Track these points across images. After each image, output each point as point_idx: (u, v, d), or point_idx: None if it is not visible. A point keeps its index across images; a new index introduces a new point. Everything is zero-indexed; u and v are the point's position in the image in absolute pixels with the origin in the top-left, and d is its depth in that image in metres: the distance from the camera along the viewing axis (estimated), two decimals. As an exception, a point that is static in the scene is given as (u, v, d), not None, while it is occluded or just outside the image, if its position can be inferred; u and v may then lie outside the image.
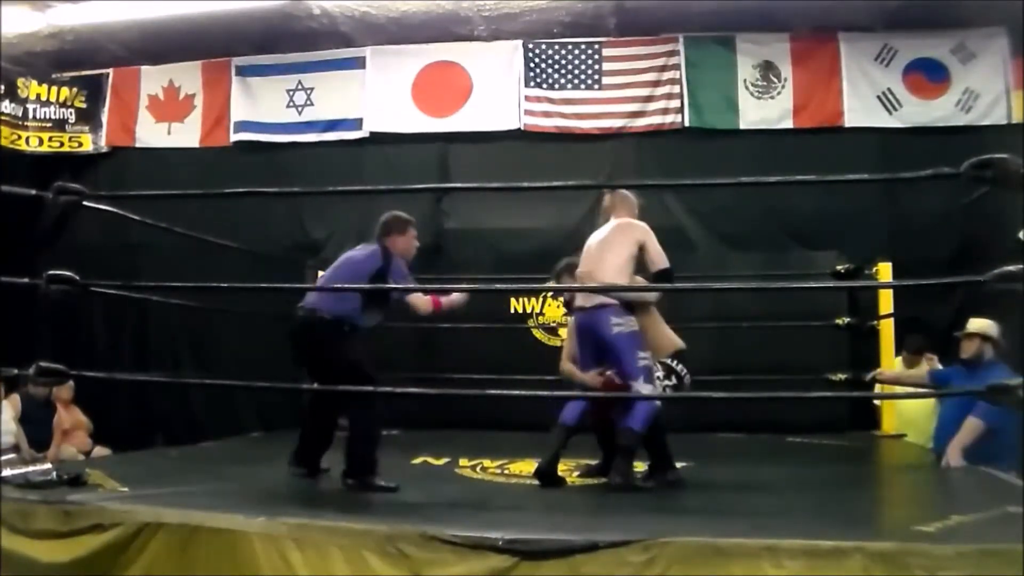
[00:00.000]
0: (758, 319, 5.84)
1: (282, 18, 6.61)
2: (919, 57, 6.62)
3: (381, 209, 7.00)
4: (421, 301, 3.80)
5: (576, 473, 3.97)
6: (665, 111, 6.86)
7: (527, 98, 7.00)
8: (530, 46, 7.02)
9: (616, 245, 3.89)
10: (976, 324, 4.34)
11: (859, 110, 6.64)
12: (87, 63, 7.47)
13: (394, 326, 6.21)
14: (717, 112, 6.81)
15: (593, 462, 4.03)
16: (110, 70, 7.61)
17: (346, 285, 3.72)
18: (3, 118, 7.36)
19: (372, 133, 7.17)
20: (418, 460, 4.27)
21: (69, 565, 2.71)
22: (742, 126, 6.77)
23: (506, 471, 3.95)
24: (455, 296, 3.94)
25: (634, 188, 6.94)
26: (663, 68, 6.88)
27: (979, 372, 4.19)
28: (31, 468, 3.44)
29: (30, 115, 7.54)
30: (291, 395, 6.54)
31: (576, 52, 6.99)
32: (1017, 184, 2.67)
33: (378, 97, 7.17)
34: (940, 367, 5.09)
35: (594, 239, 4.02)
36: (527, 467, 4.02)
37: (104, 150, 7.63)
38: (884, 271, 5.62)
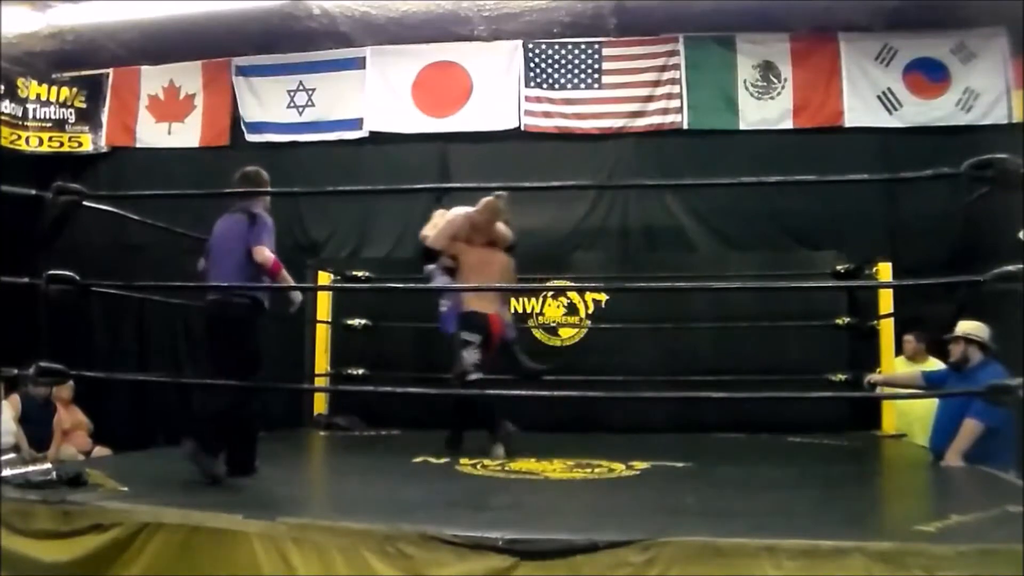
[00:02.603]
0: (758, 319, 5.84)
1: (282, 18, 6.61)
2: (919, 57, 6.62)
3: (381, 209, 7.08)
4: (265, 256, 3.65)
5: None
6: (665, 111, 6.86)
7: (527, 98, 7.00)
8: (530, 46, 7.02)
9: None
10: (960, 327, 4.32)
11: (859, 110, 6.64)
12: (87, 63, 7.47)
13: (394, 326, 6.26)
14: (717, 112, 6.81)
15: (585, 461, 4.06)
16: (110, 70, 7.62)
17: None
18: (3, 118, 7.36)
19: (372, 133, 7.18)
20: (418, 459, 4.27)
21: (69, 565, 2.71)
22: (742, 126, 6.77)
23: (506, 470, 3.95)
24: (294, 294, 3.93)
25: (634, 188, 7.01)
26: (663, 68, 6.88)
27: (970, 374, 4.18)
28: (31, 468, 3.44)
29: (30, 115, 7.55)
30: (291, 395, 6.57)
31: (576, 52, 7.00)
32: (1017, 184, 2.68)
33: (378, 97, 7.18)
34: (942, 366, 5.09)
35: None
36: (527, 466, 4.03)
37: (104, 150, 7.63)
38: (884, 271, 5.62)
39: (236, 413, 3.59)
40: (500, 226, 4.94)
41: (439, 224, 4.99)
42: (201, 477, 3.42)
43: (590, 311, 6.27)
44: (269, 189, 3.95)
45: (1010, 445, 4.04)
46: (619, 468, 3.94)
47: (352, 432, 5.86)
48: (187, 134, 7.51)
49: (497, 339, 4.75)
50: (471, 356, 4.58)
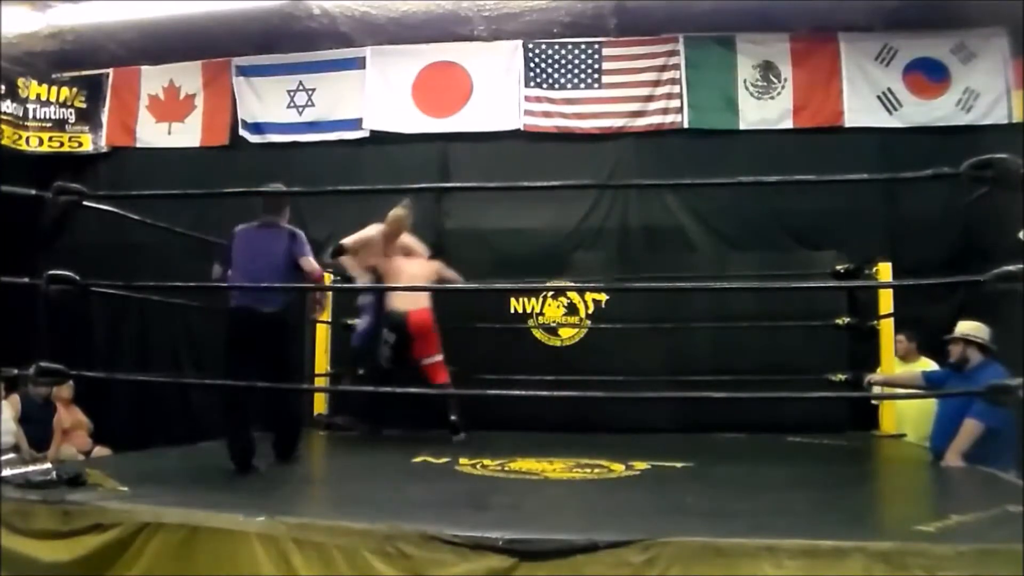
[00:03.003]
0: (758, 319, 5.84)
1: (282, 18, 6.62)
2: (919, 57, 6.63)
3: (381, 209, 7.09)
4: (314, 266, 4.02)
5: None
6: (665, 111, 6.87)
7: (527, 98, 7.00)
8: (530, 46, 7.02)
9: None
10: (960, 328, 4.32)
11: (859, 110, 6.65)
12: (87, 63, 7.47)
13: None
14: (717, 112, 6.81)
15: (585, 461, 4.05)
16: (110, 70, 7.62)
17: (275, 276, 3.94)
18: (3, 118, 7.36)
19: (372, 133, 7.18)
20: (418, 459, 4.27)
21: (69, 565, 2.71)
22: (742, 126, 6.78)
23: (506, 470, 3.95)
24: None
25: (634, 188, 7.01)
26: (663, 68, 6.89)
27: (970, 374, 4.17)
28: (31, 468, 3.44)
29: (30, 115, 7.56)
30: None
31: (576, 52, 7.00)
32: (1017, 184, 2.67)
33: (378, 97, 7.18)
34: (935, 365, 5.09)
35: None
36: (527, 465, 4.03)
37: (104, 150, 7.64)
38: (884, 271, 5.62)
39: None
40: (408, 238, 5.51)
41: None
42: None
43: (590, 311, 6.26)
44: (287, 188, 4.22)
45: (1010, 445, 4.04)
46: (619, 468, 3.94)
47: (352, 432, 5.86)
48: (187, 134, 7.51)
49: (417, 329, 5.26)
50: (383, 352, 5.31)
